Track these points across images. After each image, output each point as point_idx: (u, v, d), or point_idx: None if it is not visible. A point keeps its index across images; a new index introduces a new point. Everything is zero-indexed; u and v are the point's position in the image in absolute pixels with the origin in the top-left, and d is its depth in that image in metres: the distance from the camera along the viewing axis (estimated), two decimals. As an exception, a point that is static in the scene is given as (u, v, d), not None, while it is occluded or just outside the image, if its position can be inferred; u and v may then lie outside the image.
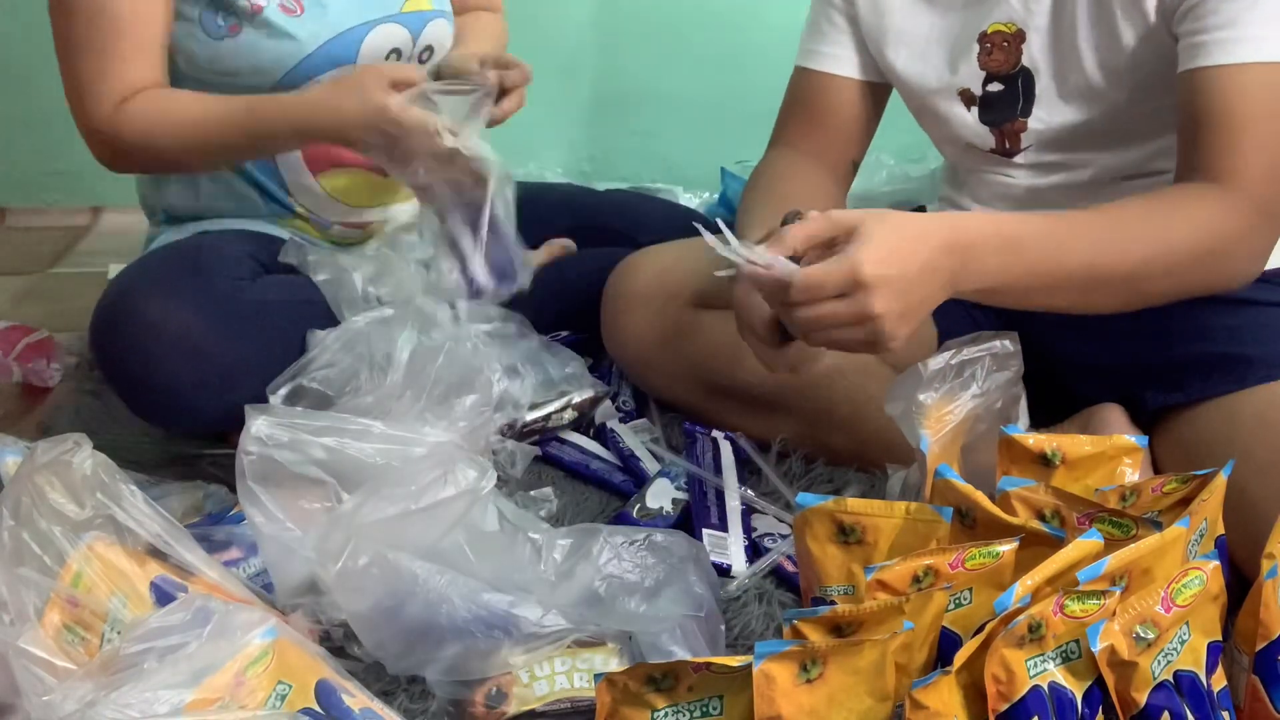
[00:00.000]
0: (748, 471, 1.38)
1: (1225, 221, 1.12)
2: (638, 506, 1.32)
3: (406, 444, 1.16)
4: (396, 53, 1.48)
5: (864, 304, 1.01)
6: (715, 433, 1.41)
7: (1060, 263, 1.10)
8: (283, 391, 1.28)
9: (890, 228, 1.03)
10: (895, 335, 1.04)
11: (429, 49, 1.51)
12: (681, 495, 1.33)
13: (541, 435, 1.44)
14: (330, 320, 1.38)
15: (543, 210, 1.58)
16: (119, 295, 1.35)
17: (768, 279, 1.04)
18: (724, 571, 1.22)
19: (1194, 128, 1.16)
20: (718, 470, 1.35)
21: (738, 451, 1.39)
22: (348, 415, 1.19)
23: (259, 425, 1.12)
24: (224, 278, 1.36)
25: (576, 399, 1.46)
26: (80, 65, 1.37)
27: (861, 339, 1.04)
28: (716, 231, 1.06)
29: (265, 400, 1.28)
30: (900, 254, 1.02)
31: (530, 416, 1.42)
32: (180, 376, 1.31)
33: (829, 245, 1.04)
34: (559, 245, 1.63)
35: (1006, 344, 1.17)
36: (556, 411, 1.44)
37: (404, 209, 1.57)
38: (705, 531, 1.26)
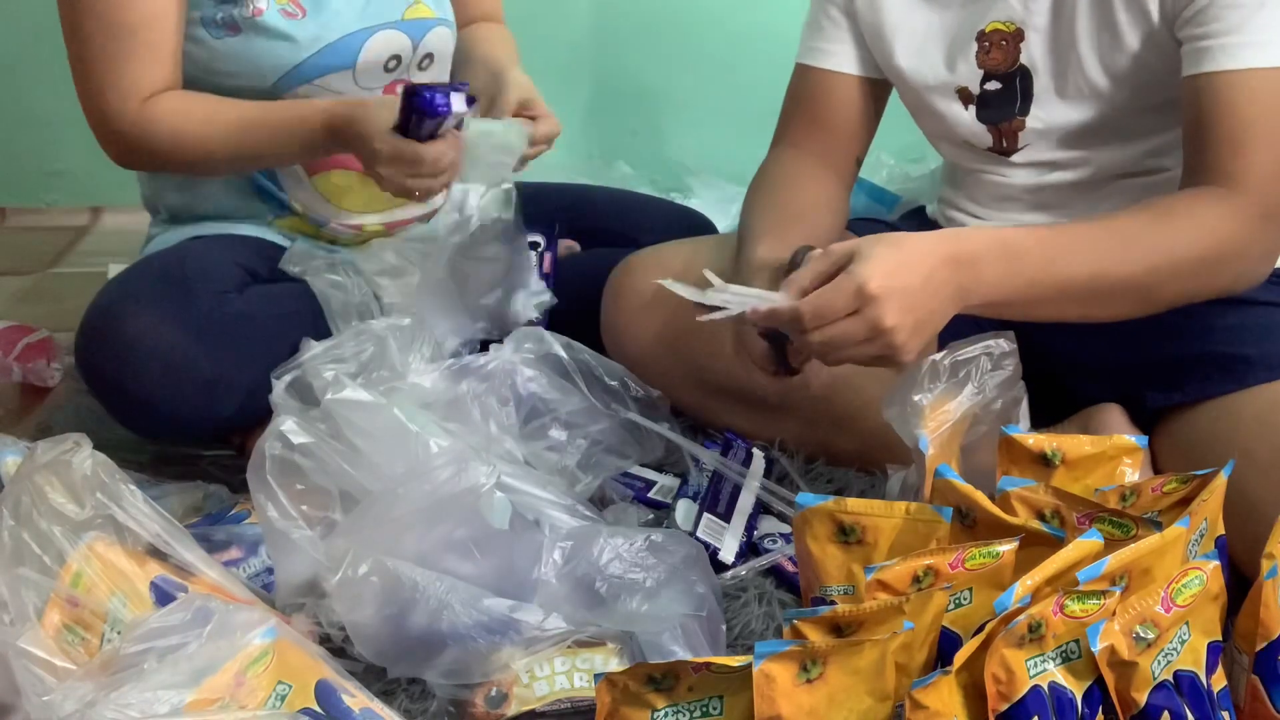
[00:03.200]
0: (775, 478, 1.38)
1: (1231, 225, 1.13)
2: None
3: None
4: (396, 59, 1.47)
5: (875, 318, 1.03)
6: (755, 448, 1.40)
7: (1065, 272, 1.11)
8: (287, 378, 1.27)
9: (888, 244, 1.06)
10: (909, 348, 1.06)
11: (429, 56, 1.51)
12: None
13: None
14: (317, 330, 1.37)
15: (543, 210, 1.58)
16: (102, 309, 1.35)
17: (776, 315, 1.07)
18: (712, 555, 1.22)
19: (1200, 132, 1.16)
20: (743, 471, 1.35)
21: (770, 468, 1.38)
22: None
23: (287, 425, 1.13)
24: (207, 291, 1.35)
25: None
26: (97, 62, 1.35)
27: (876, 354, 1.06)
28: (700, 284, 1.10)
29: (249, 412, 1.27)
30: (904, 267, 1.04)
31: None
32: (160, 391, 1.31)
33: (833, 277, 1.06)
34: (561, 245, 1.63)
35: (1002, 343, 1.17)
36: None
37: (404, 214, 1.57)
38: (706, 515, 1.26)
